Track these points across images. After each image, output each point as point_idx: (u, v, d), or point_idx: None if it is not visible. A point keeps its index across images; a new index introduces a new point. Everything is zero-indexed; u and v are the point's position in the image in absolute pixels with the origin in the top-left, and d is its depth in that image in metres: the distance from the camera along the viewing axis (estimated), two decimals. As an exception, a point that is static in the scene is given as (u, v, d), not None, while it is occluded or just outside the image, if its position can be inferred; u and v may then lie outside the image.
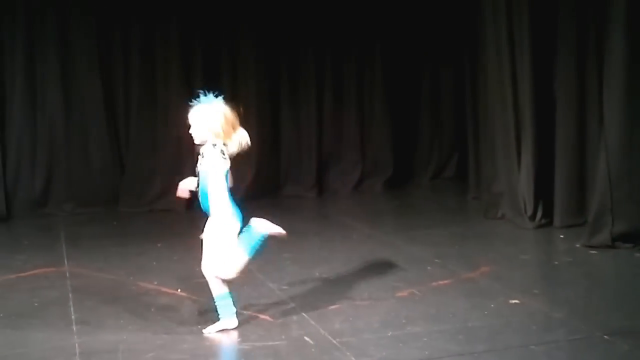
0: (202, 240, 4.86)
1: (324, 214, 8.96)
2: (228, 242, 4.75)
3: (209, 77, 9.10)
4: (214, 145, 4.74)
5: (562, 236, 7.03)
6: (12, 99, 8.61)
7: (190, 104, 4.83)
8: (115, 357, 4.48)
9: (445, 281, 5.74)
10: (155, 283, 5.93)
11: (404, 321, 4.89)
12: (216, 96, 4.81)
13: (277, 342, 4.62)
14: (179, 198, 5.17)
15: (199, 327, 4.92)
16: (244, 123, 4.97)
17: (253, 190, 9.36)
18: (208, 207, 4.77)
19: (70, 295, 5.62)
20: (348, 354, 4.41)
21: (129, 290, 5.75)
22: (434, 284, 5.68)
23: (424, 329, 4.74)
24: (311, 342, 4.61)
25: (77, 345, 4.66)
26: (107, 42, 8.91)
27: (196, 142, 4.81)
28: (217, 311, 4.86)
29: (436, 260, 6.32)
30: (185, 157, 9.06)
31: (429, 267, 6.14)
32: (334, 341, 4.59)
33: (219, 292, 4.84)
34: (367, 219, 8.26)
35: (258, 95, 9.37)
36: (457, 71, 9.67)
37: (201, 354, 4.50)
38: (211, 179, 4.70)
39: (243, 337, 4.71)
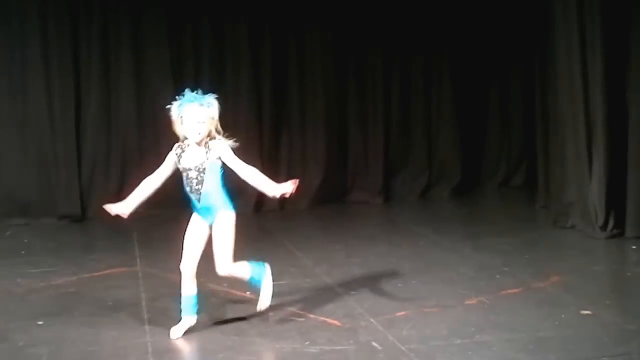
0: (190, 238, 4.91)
1: (391, 220, 8.97)
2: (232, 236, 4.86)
3: (277, 83, 9.27)
4: (217, 138, 4.79)
5: (634, 247, 6.88)
6: (88, 104, 8.88)
7: (186, 100, 4.81)
8: (187, 357, 4.57)
9: (515, 290, 5.68)
10: (225, 285, 6.01)
11: (473, 329, 4.86)
12: (204, 92, 4.85)
13: (345, 347, 4.65)
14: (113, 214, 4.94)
15: (267, 329, 5.01)
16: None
17: (320, 196, 9.46)
18: (211, 201, 4.77)
19: (142, 295, 5.75)
20: (416, 360, 4.41)
21: (199, 292, 5.81)
22: (503, 292, 5.63)
23: (494, 338, 4.70)
24: (379, 347, 4.62)
25: (149, 344, 4.77)
26: (178, 48, 9.12)
27: (199, 139, 4.75)
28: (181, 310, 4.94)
29: (505, 269, 6.26)
30: (254, 159, 9.23)
31: (497, 276, 6.09)
32: (402, 347, 4.59)
33: (189, 293, 4.91)
34: (434, 226, 8.22)
35: (326, 103, 9.48)
36: (527, 77, 9.57)
37: (270, 357, 4.56)
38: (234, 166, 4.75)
39: (311, 341, 4.75)
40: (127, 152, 9.04)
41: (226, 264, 4.85)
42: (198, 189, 4.76)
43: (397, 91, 9.73)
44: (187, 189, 4.80)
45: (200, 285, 5.93)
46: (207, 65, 9.17)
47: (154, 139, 9.10)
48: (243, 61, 9.20)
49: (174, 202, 8.83)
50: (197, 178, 4.74)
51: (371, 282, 6.02)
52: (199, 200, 4.78)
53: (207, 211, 4.81)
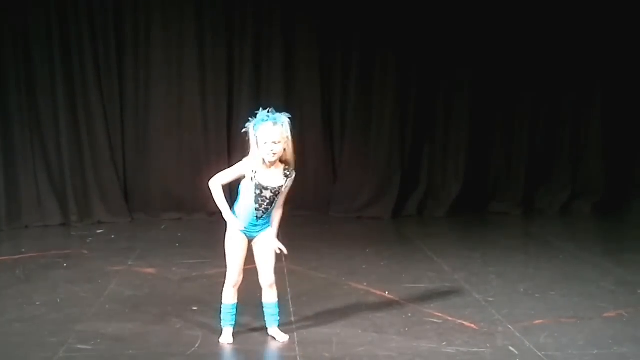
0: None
1: (530, 232, 8.92)
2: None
3: (422, 98, 9.43)
4: (289, 166, 4.83)
5: None
6: (238, 110, 9.26)
7: (260, 120, 4.74)
8: (330, 349, 4.80)
9: (657, 306, 5.60)
10: (365, 284, 6.24)
11: (610, 341, 4.86)
12: (277, 110, 4.79)
13: (481, 350, 4.75)
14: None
15: (405, 328, 5.17)
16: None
17: (459, 204, 9.52)
18: (267, 221, 4.85)
19: (288, 289, 6.01)
20: (553, 367, 4.48)
21: (341, 290, 6.09)
22: (644, 307, 5.57)
23: (632, 351, 4.69)
24: (516, 352, 4.70)
25: (295, 334, 5.04)
26: (328, 67, 9.42)
27: (274, 159, 4.73)
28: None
29: (647, 285, 6.18)
30: (392, 172, 9.44)
31: (639, 291, 6.01)
32: (539, 354, 4.65)
33: (230, 302, 4.96)
34: (575, 240, 8.14)
35: (469, 114, 9.53)
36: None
37: (408, 354, 4.69)
38: (283, 196, 4.83)
39: (448, 342, 4.88)
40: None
41: (272, 275, 4.94)
42: (267, 209, 4.80)
43: (544, 105, 9.62)
44: (255, 205, 4.77)
45: (340, 284, 6.25)
46: (354, 88, 9.45)
47: (298, 148, 9.47)
48: (389, 90, 9.41)
49: (315, 206, 9.35)
50: (270, 199, 4.77)
51: (508, 290, 6.09)
52: (259, 218, 4.81)
53: (256, 227, 4.84)
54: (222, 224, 8.79)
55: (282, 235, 7.89)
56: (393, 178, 9.43)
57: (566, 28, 9.43)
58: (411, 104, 9.43)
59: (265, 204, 4.79)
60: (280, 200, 4.86)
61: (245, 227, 4.83)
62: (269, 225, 4.88)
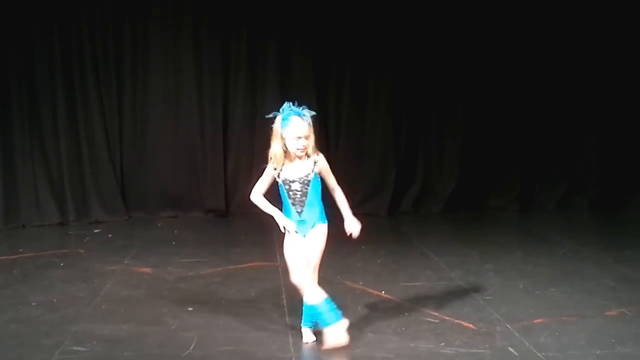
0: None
1: (527, 227, 8.86)
2: (322, 249, 4.87)
3: (417, 103, 9.40)
4: (316, 152, 4.80)
5: None
6: (234, 109, 9.26)
7: (288, 114, 4.75)
8: (326, 349, 4.73)
9: (659, 303, 5.55)
10: (361, 283, 6.20)
11: (613, 341, 4.80)
12: (300, 105, 4.79)
13: (480, 350, 4.69)
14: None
15: (403, 329, 5.11)
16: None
17: (454, 200, 9.47)
18: (314, 214, 4.79)
19: (282, 288, 5.96)
20: (554, 368, 4.42)
21: (336, 289, 5.98)
22: (646, 304, 5.51)
23: (636, 351, 4.62)
24: (515, 353, 4.64)
25: (290, 335, 4.99)
26: (325, 66, 9.36)
27: (301, 153, 4.75)
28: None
29: (649, 281, 6.12)
30: (387, 168, 9.39)
31: (640, 287, 5.97)
32: (539, 354, 4.59)
33: (322, 298, 4.77)
34: (574, 235, 8.08)
35: (464, 111, 9.49)
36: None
37: (405, 355, 4.64)
38: (328, 179, 4.81)
39: (447, 343, 4.83)
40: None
41: (310, 275, 4.84)
42: (302, 201, 4.78)
43: (539, 100, 9.56)
44: (290, 201, 4.79)
45: (335, 282, 6.19)
46: (348, 94, 9.42)
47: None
48: (383, 97, 9.38)
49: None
50: (301, 190, 4.76)
51: (507, 288, 6.03)
52: (300, 213, 4.79)
53: (304, 223, 4.82)
54: (219, 223, 8.93)
55: (277, 232, 7.87)
56: (388, 174, 9.39)
57: (567, 28, 9.40)
58: (406, 100, 9.38)
59: (299, 196, 4.78)
60: (330, 184, 4.83)
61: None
62: (319, 221, 4.81)
